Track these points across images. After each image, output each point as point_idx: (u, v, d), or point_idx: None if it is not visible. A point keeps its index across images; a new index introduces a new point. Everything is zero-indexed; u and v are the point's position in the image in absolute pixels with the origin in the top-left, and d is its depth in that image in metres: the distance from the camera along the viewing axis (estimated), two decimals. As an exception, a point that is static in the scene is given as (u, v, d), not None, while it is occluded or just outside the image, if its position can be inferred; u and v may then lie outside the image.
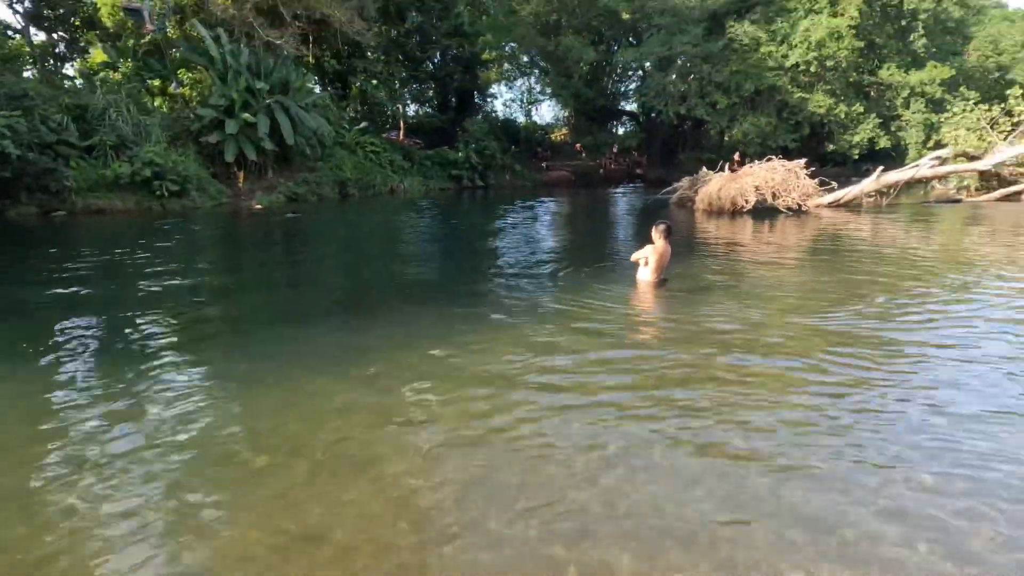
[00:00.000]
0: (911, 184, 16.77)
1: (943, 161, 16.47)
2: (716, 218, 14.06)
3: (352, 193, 20.97)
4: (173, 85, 20.34)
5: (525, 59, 33.62)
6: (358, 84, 27.41)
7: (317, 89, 24.45)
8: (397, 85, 28.86)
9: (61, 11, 21.51)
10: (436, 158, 25.92)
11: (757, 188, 14.41)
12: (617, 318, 5.45)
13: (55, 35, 22.74)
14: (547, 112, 40.27)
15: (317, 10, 20.00)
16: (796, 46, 26.37)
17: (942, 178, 17.27)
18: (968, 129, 17.27)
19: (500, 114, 36.15)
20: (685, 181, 16.92)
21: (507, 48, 31.67)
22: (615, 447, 2.95)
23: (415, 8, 26.13)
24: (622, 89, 36.86)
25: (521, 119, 37.44)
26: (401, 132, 30.09)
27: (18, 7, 20.12)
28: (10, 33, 20.96)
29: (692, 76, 28.11)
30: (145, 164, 14.94)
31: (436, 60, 29.28)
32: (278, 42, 19.05)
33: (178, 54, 19.97)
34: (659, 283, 6.43)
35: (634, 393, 3.65)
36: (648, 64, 29.98)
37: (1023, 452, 2.89)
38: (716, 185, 15.11)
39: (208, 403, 3.55)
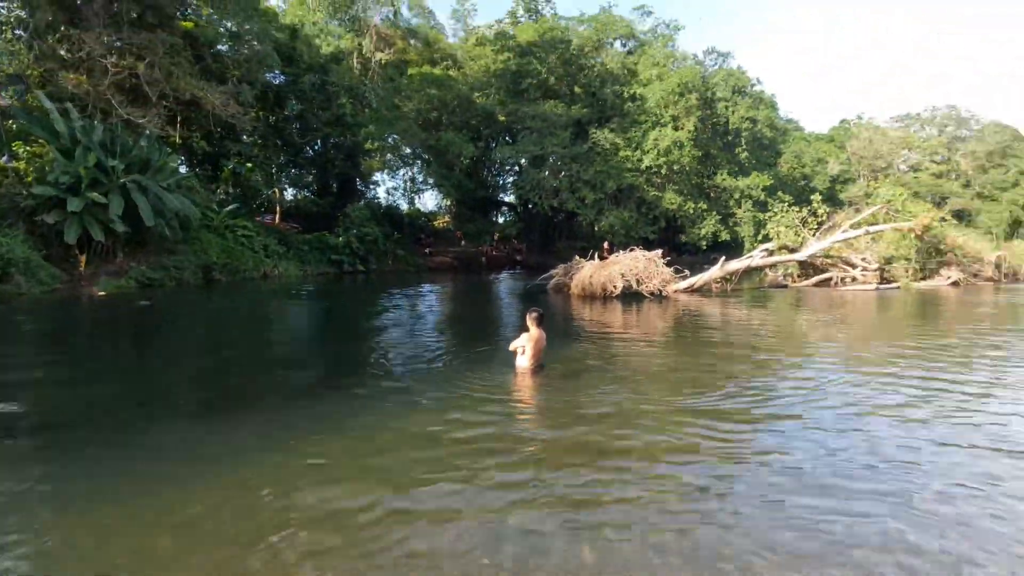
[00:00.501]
0: (749, 271, 19.32)
1: (771, 252, 19.29)
2: (590, 303, 14.98)
3: (218, 278, 19.48)
4: (4, 158, 18.05)
5: (408, 151, 34.86)
6: (230, 167, 26.40)
7: (183, 169, 23.10)
8: (274, 169, 28.23)
9: None
10: (315, 243, 25.22)
11: (623, 275, 15.72)
12: (497, 405, 5.43)
13: None
14: (430, 200, 41.53)
15: (187, 92, 19.33)
16: (648, 152, 30.31)
17: (771, 266, 20.14)
18: (786, 226, 20.56)
19: (383, 200, 36.58)
20: (561, 268, 18.01)
21: (390, 139, 32.71)
22: (497, 536, 2.83)
23: (295, 97, 26.31)
24: (501, 182, 39.34)
25: (404, 206, 38.12)
26: (277, 216, 29.09)
27: None
28: None
29: (563, 173, 30.87)
30: (-46, 245, 12.78)
31: (317, 147, 29.29)
32: (139, 121, 17.93)
33: (14, 125, 17.93)
34: (537, 369, 6.59)
35: (514, 476, 3.58)
36: (524, 160, 32.49)
37: (854, 505, 3.24)
38: (588, 272, 16.27)
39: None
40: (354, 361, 7.75)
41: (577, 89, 33.87)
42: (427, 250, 33.05)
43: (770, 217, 22.07)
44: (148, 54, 18.37)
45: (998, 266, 20.50)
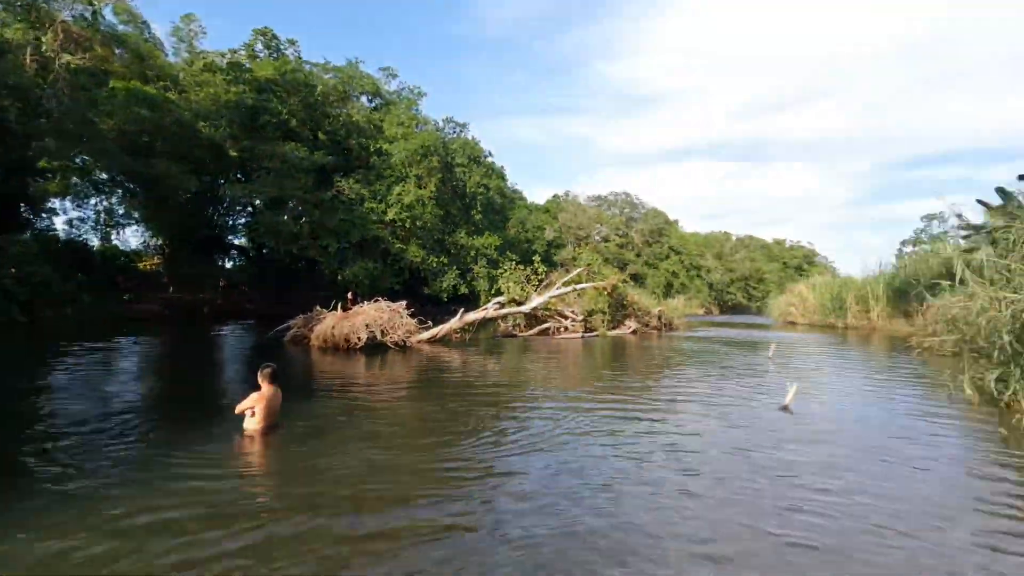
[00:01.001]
0: (484, 322, 21.06)
1: (502, 305, 21.46)
2: (332, 355, 14.26)
3: None
4: None
5: (104, 176, 28.73)
6: None
7: None
8: None
9: None
10: (-60, 283, 18.41)
11: (368, 326, 15.49)
12: (220, 476, 4.66)
13: None
14: (133, 238, 34.49)
15: None
16: (392, 206, 31.15)
17: (503, 317, 22.37)
18: (514, 282, 23.25)
19: (62, 233, 29.08)
20: (300, 319, 16.82)
21: (78, 160, 26.50)
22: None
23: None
24: (230, 222, 35.25)
25: (96, 242, 30.95)
26: None
27: None
28: None
29: (304, 219, 29.35)
30: None
31: (-45, 156, 21.90)
32: None
33: None
34: (270, 429, 5.92)
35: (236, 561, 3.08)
36: (259, 202, 29.89)
37: (574, 521, 3.70)
38: (330, 323, 15.55)
39: None
40: (23, 438, 5.77)
41: (321, 136, 33.11)
42: (126, 296, 27.20)
43: (501, 273, 24.68)
44: None
45: (660, 318, 26.73)
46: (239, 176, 31.55)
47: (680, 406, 8.38)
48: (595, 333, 22.29)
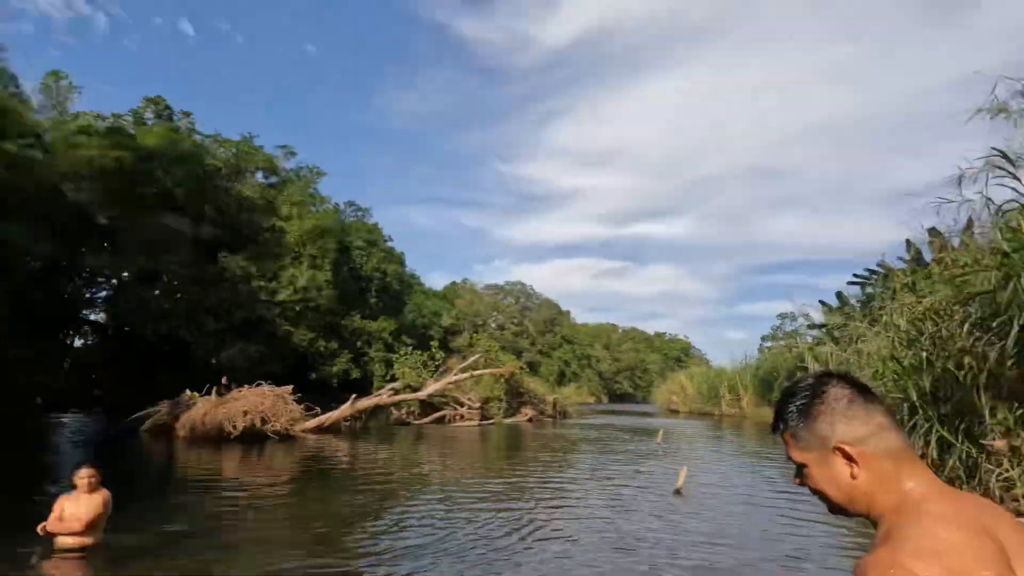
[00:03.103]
0: (377, 409, 20.01)
1: (397, 391, 20.64)
2: (200, 447, 12.63)
3: None
4: None
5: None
6: None
7: None
8: None
9: None
10: None
11: (246, 413, 14.04)
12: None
13: None
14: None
15: None
16: (284, 287, 29.67)
17: (397, 404, 21.43)
18: (411, 367, 22.62)
19: None
20: (164, 405, 14.89)
21: None
22: None
23: None
24: (87, 295, 31.28)
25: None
26: None
27: None
28: None
29: (180, 295, 26.92)
30: None
31: None
32: None
33: None
34: (92, 547, 4.79)
35: None
36: (126, 274, 27.06)
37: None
38: (202, 410, 13.92)
39: None
40: None
41: (209, 209, 31.36)
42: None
43: (397, 358, 23.93)
44: None
45: (555, 406, 27.10)
46: (105, 245, 28.55)
47: (579, 494, 8.35)
48: (491, 421, 21.98)
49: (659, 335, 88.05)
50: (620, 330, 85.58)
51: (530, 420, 23.77)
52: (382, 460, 11.78)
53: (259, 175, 36.98)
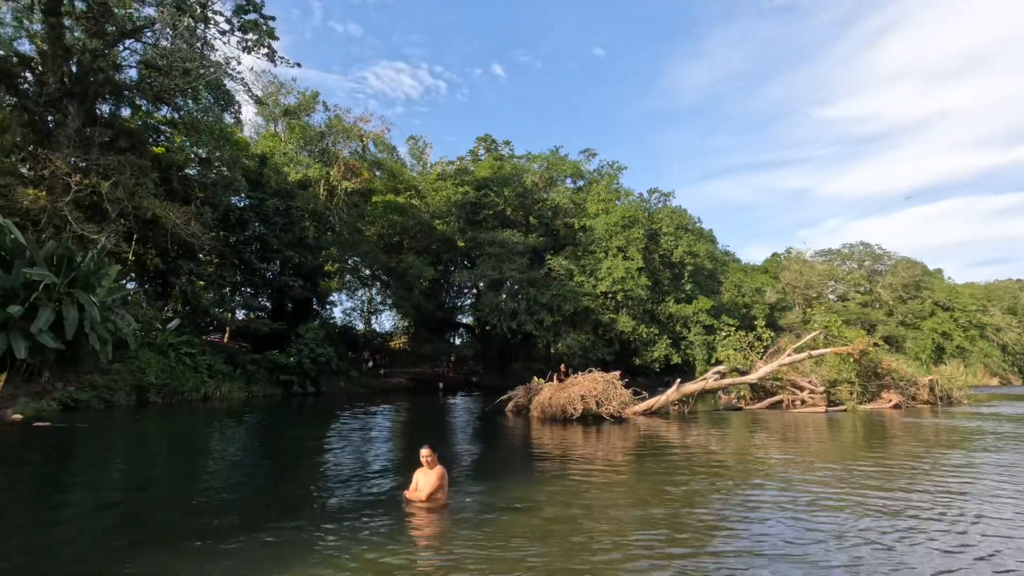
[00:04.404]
0: (703, 393, 19.57)
1: (723, 375, 19.75)
2: (550, 425, 14.62)
3: (154, 400, 18.15)
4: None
5: (367, 272, 35.34)
6: (180, 285, 25.83)
7: (131, 285, 22.46)
8: (228, 290, 27.73)
9: None
10: (264, 362, 24.20)
11: (583, 397, 15.60)
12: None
13: None
14: (387, 321, 41.44)
15: (148, 211, 19.40)
16: (603, 280, 31.93)
17: (724, 389, 20.50)
18: (734, 349, 21.35)
19: (339, 321, 36.14)
20: (520, 390, 17.76)
21: (350, 261, 33.21)
22: None
23: (259, 219, 26.73)
24: (459, 304, 39.93)
25: (360, 326, 37.71)
26: (226, 335, 28.10)
27: None
28: None
29: (520, 296, 31.76)
30: None
31: (276, 267, 29.26)
32: (93, 236, 17.62)
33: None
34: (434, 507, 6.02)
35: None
36: (482, 284, 33.39)
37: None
38: (547, 394, 16.09)
39: None
40: (289, 496, 7.09)
41: (532, 220, 36.14)
42: (382, 371, 32.21)
43: (718, 340, 22.93)
44: (114, 174, 18.61)
45: (932, 389, 21.55)
46: (465, 263, 35.91)
47: (993, 506, 6.47)
48: (841, 407, 18.92)
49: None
50: (1031, 286, 62.67)
51: (896, 406, 19.56)
52: (714, 445, 11.46)
53: (567, 181, 40.69)
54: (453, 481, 6.98)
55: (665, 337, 33.79)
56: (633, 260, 32.68)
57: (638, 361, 33.88)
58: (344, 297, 37.84)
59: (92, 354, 16.45)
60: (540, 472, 8.32)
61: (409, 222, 32.77)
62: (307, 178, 30.49)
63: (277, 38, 21.88)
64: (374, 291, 37.55)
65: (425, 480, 6.10)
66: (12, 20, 19.88)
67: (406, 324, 38.59)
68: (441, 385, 32.47)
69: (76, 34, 19.25)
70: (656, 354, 33.15)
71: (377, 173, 36.43)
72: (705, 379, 19.02)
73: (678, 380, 18.46)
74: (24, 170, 18.67)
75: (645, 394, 17.51)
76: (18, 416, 13.55)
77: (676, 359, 33.65)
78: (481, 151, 39.00)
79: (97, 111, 20.57)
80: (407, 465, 8.99)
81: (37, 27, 19.40)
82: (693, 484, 7.44)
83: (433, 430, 14.96)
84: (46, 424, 12.63)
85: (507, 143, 39.83)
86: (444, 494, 6.15)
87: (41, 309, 15.08)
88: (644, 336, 33.00)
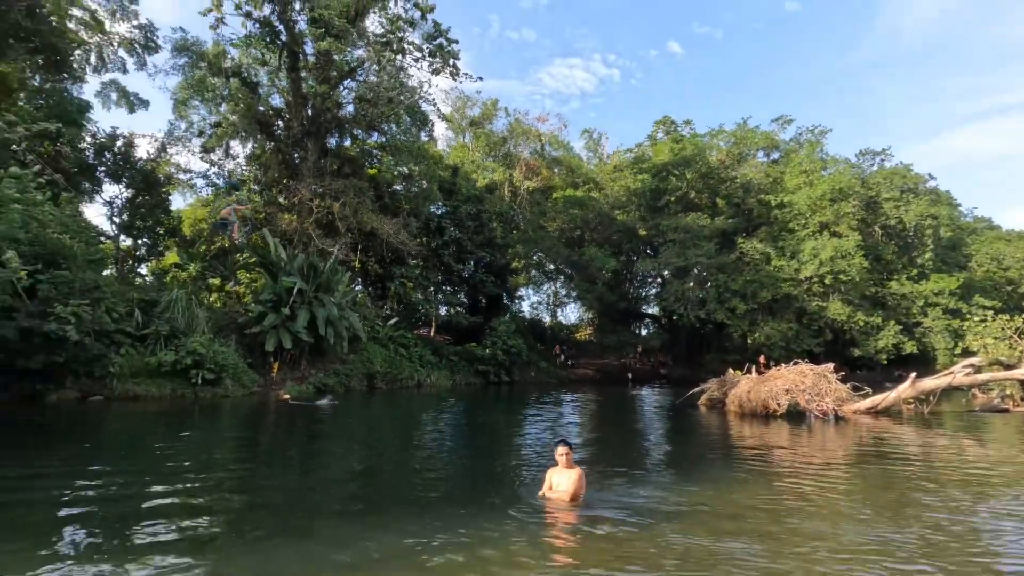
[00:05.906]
0: (949, 391, 16.24)
1: (978, 369, 16.13)
2: (749, 421, 13.56)
3: (380, 386, 21.28)
4: (231, 283, 22.42)
5: (551, 267, 36.55)
6: (395, 287, 29.75)
7: (358, 288, 26.58)
8: (431, 289, 31.13)
9: (149, 222, 24.89)
10: (464, 354, 26.65)
11: (788, 391, 14.13)
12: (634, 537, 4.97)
13: (140, 241, 26.00)
14: (572, 313, 42.51)
15: (368, 225, 22.78)
16: (807, 263, 28.09)
17: (981, 386, 16.74)
18: (995, 338, 17.27)
19: (527, 314, 38.07)
20: (713, 383, 16.78)
21: (535, 257, 34.71)
22: None
23: (453, 224, 29.52)
24: (643, 294, 39.01)
25: (547, 319, 39.23)
26: (432, 328, 31.57)
27: (116, 219, 23.49)
28: (102, 239, 24.07)
29: (709, 284, 29.82)
30: (188, 353, 15.71)
31: (470, 267, 32.00)
32: (330, 249, 21.30)
33: (241, 258, 22.42)
34: (573, 506, 5.74)
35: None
36: (666, 272, 32.15)
37: None
38: (745, 387, 14.92)
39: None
40: (488, 472, 7.73)
41: (719, 201, 33.58)
42: (569, 362, 33.10)
43: (969, 327, 18.76)
44: (342, 196, 22.23)
45: None
46: (648, 251, 34.94)
47: None
48: None
49: None
50: None
51: None
52: (971, 454, 9.46)
53: (759, 155, 36.93)
54: (655, 477, 6.93)
55: (892, 323, 28.69)
56: (846, 237, 28.34)
57: (857, 352, 29.36)
58: (531, 291, 39.79)
59: (333, 347, 19.93)
60: (747, 472, 7.78)
61: (589, 215, 33.04)
62: (493, 182, 32.69)
63: (459, 58, 23.87)
64: (559, 284, 38.74)
65: (567, 480, 5.87)
66: (267, 81, 24.96)
67: (591, 316, 39.04)
68: (630, 376, 32.19)
69: (310, 83, 23.35)
70: (881, 343, 28.33)
71: (555, 170, 37.45)
72: (951, 373, 15.72)
73: (912, 375, 15.57)
74: (281, 199, 23.34)
75: (868, 390, 15.15)
76: (286, 396, 17.03)
77: (909, 348, 28.32)
78: (660, 134, 37.37)
79: (326, 144, 24.75)
80: (619, 454, 9.14)
81: (283, 83, 24.04)
82: (947, 499, 6.25)
83: (625, 422, 14.95)
84: (327, 402, 15.85)
85: (688, 122, 37.45)
86: (582, 494, 5.94)
87: (299, 311, 18.77)
88: (862, 324, 28.44)
